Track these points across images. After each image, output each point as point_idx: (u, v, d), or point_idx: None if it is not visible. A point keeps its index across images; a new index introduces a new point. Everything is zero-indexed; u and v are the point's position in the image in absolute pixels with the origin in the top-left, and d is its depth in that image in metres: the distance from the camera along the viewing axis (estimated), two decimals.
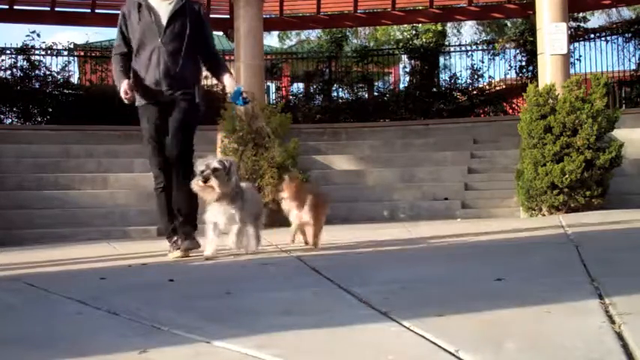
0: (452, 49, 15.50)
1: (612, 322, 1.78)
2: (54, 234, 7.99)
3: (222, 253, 4.23)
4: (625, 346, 1.55)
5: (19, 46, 12.86)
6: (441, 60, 14.81)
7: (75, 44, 14.48)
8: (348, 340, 1.78)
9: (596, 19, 19.39)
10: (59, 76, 12.80)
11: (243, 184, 4.45)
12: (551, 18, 8.76)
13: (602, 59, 13.32)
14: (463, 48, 15.16)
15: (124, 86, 4.50)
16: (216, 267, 3.86)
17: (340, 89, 14.56)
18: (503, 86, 14.75)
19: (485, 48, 14.78)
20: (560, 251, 3.72)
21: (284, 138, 8.76)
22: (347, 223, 7.82)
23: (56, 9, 12.25)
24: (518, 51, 14.02)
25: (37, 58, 12.88)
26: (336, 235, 5.05)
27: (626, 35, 13.39)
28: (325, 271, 3.09)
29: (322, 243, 4.47)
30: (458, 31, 25.02)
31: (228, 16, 12.10)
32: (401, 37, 17.61)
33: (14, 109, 12.51)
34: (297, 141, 8.82)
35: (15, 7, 12.04)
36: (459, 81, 14.05)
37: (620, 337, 1.63)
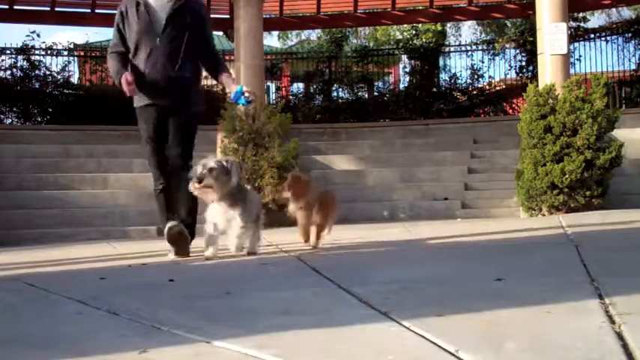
0: (452, 49, 15.52)
1: (612, 322, 1.78)
2: (54, 234, 7.99)
3: (222, 253, 4.23)
4: (625, 346, 1.55)
5: (19, 46, 12.88)
6: (441, 60, 14.82)
7: (75, 44, 14.51)
8: (348, 340, 1.78)
9: (596, 19, 19.41)
10: (59, 76, 12.81)
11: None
12: (551, 18, 8.76)
13: (602, 59, 13.35)
14: (463, 48, 15.18)
15: (125, 76, 4.34)
16: (216, 267, 3.85)
17: (340, 89, 14.56)
18: (503, 86, 14.75)
19: (485, 48, 14.79)
20: (560, 251, 3.71)
21: (284, 138, 8.77)
22: (347, 223, 7.79)
23: (56, 9, 12.26)
24: (518, 51, 14.03)
25: (37, 58, 12.90)
26: (336, 235, 5.04)
27: (626, 35, 13.40)
28: (325, 271, 3.08)
29: (322, 243, 4.47)
30: (457, 31, 25.03)
31: (228, 16, 12.11)
32: (401, 37, 17.61)
33: (14, 109, 12.52)
34: (297, 141, 8.83)
35: (15, 7, 12.05)
36: (459, 81, 14.06)
37: (620, 337, 1.63)
